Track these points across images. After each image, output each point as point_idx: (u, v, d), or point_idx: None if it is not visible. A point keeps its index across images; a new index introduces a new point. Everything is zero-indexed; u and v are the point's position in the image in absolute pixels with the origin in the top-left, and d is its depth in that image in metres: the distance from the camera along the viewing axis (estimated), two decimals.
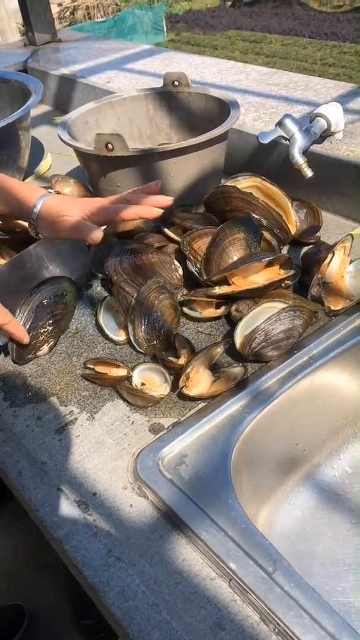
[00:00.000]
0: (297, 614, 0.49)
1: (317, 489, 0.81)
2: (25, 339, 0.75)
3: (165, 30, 9.07)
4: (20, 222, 0.95)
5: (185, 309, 0.82)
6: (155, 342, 0.76)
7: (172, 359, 0.74)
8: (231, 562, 0.53)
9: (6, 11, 8.51)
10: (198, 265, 0.85)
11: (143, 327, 0.76)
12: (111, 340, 0.80)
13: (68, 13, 9.77)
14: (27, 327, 0.76)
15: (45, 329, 0.78)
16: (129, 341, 0.78)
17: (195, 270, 0.84)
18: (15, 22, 8.56)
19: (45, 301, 0.78)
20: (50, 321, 0.78)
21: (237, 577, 0.52)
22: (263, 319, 0.72)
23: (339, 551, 0.74)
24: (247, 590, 0.51)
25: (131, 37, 8.68)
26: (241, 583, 0.52)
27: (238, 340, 0.73)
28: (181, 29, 9.29)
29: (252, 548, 0.54)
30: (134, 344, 0.76)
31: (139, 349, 0.77)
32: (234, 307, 0.80)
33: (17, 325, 0.74)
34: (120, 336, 0.80)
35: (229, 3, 10.44)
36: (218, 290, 0.80)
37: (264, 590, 0.51)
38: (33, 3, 1.88)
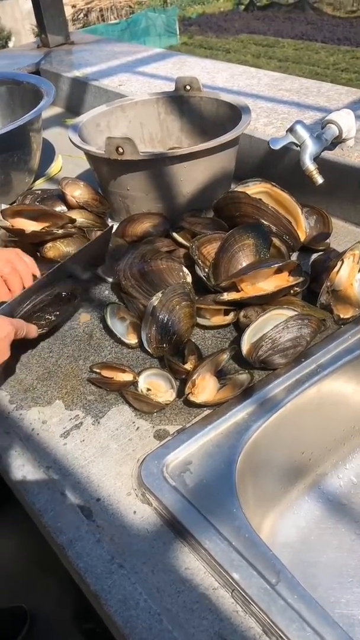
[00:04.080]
0: (299, 626, 0.49)
1: (322, 498, 0.80)
2: (34, 332, 0.77)
3: (178, 33, 9.09)
4: (28, 224, 0.95)
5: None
6: (165, 345, 0.76)
7: (179, 362, 0.73)
8: (234, 572, 0.53)
9: (20, 12, 8.57)
10: (206, 270, 0.84)
11: (157, 327, 0.75)
12: (122, 343, 0.80)
13: (82, 15, 9.82)
14: (38, 307, 0.77)
15: (49, 318, 0.80)
16: (139, 341, 0.78)
17: (204, 275, 0.84)
18: (29, 24, 8.61)
19: (63, 293, 0.80)
20: (57, 312, 0.80)
21: (240, 588, 0.52)
22: (271, 327, 0.71)
23: (343, 562, 0.73)
24: (250, 601, 0.51)
25: (144, 39, 8.71)
26: (244, 594, 0.51)
27: (245, 347, 0.73)
28: (194, 32, 9.30)
29: (256, 558, 0.54)
30: (145, 341, 0.76)
31: (148, 347, 0.76)
32: (242, 313, 0.79)
33: (32, 329, 0.75)
34: (131, 340, 0.80)
35: (242, 7, 10.44)
36: (226, 296, 0.80)
37: (266, 602, 0.50)
38: (47, 5, 1.88)
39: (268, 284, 0.81)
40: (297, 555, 0.73)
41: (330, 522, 0.77)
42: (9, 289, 0.78)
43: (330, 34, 8.10)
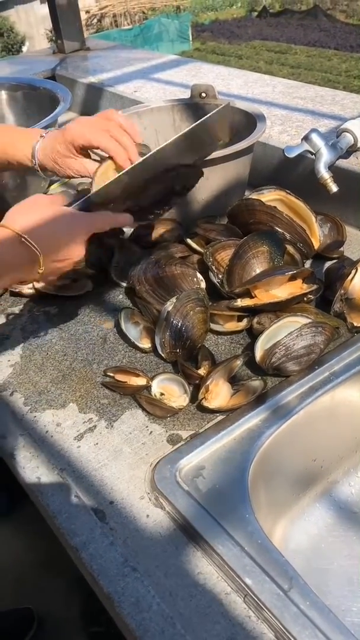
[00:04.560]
0: (312, 634, 0.49)
1: (334, 506, 0.80)
2: (128, 220, 0.75)
3: (191, 39, 9.14)
4: None
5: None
6: (178, 350, 0.76)
7: (192, 368, 0.74)
8: (247, 577, 0.53)
9: (35, 17, 8.65)
10: (220, 276, 0.85)
11: (171, 332, 0.76)
12: (136, 348, 0.81)
13: (95, 20, 9.91)
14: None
15: (158, 212, 0.84)
16: (153, 346, 0.79)
17: (218, 282, 0.85)
18: (43, 28, 8.70)
19: (176, 187, 0.82)
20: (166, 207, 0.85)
21: (253, 593, 0.52)
22: (284, 334, 0.72)
23: (354, 570, 0.73)
24: (263, 607, 0.51)
25: (157, 45, 8.76)
26: (256, 599, 0.52)
27: (258, 353, 0.73)
28: (207, 38, 9.35)
29: (268, 564, 0.54)
30: (158, 346, 0.76)
31: (161, 352, 0.77)
32: (255, 320, 0.80)
33: (124, 219, 0.74)
34: (144, 344, 0.80)
35: (255, 14, 10.48)
36: (240, 302, 0.80)
37: (279, 608, 0.51)
38: (64, 11, 1.91)
39: (282, 291, 0.81)
40: (308, 563, 0.74)
41: (341, 530, 0.77)
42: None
43: (342, 41, 8.12)
